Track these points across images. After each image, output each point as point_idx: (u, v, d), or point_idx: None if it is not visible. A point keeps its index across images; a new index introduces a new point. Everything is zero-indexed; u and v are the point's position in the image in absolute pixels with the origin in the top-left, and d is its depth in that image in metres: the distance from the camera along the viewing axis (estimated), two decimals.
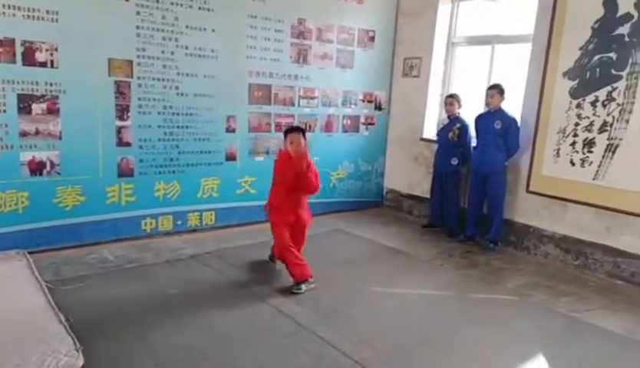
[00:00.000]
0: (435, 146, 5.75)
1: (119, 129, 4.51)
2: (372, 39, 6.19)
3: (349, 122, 6.20)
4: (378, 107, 6.46)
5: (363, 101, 6.29)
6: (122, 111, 4.50)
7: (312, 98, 5.78)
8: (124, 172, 4.59)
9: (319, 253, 4.76)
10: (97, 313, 3.25)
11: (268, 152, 5.50)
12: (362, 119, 6.32)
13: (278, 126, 5.53)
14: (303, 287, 3.78)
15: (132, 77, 4.50)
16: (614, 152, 4.41)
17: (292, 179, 3.78)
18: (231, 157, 5.24)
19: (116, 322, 3.15)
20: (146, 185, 4.72)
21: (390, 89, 6.50)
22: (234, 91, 5.15)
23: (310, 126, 5.80)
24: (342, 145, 6.17)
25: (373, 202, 6.60)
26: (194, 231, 5.08)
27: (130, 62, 4.47)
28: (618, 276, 4.41)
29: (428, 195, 5.85)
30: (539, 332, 3.41)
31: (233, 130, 5.21)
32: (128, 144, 4.56)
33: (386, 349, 3.00)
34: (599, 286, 4.31)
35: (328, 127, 6.00)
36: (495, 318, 3.58)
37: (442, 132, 5.58)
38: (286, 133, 3.89)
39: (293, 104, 5.63)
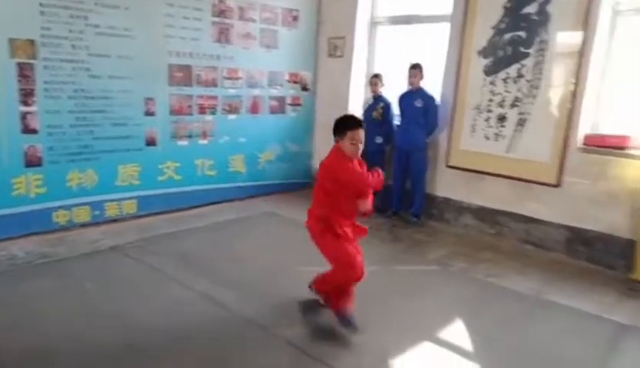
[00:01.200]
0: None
1: (24, 115, 4.16)
2: (296, 18, 6.13)
3: (275, 103, 6.13)
4: (304, 88, 6.44)
5: (289, 82, 6.24)
6: (26, 96, 4.15)
7: (237, 79, 5.65)
8: (32, 162, 4.25)
9: (249, 236, 4.73)
10: (3, 312, 3.03)
11: (191, 136, 5.34)
12: (288, 100, 6.28)
13: (201, 108, 5.37)
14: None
15: (36, 58, 4.15)
16: (524, 126, 4.70)
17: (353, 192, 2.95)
18: (151, 142, 5.02)
19: (24, 320, 2.95)
20: (57, 174, 4.40)
21: (315, 69, 6.50)
22: (152, 72, 4.91)
23: (235, 108, 5.69)
24: (269, 126, 6.11)
25: (303, 183, 6.61)
26: (114, 221, 4.84)
27: (33, 42, 4.12)
28: (529, 241, 4.75)
29: None
30: (459, 297, 3.60)
31: (153, 114, 4.98)
32: (34, 131, 4.22)
33: (311, 325, 3.04)
34: (512, 251, 4.62)
35: (254, 109, 5.90)
36: (418, 287, 3.74)
37: (367, 111, 5.67)
38: (345, 127, 2.87)
39: (216, 85, 5.47)
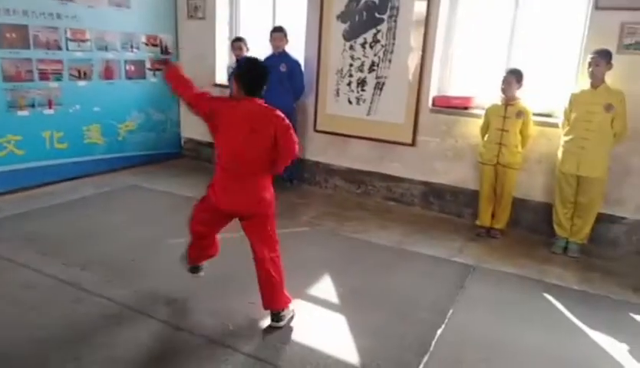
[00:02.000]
0: (228, 91, 5.68)
1: None
2: None
3: (133, 67, 5.68)
4: (165, 51, 6.04)
5: (147, 45, 5.80)
6: None
7: (84, 41, 5.09)
8: None
9: (110, 212, 4.39)
10: None
11: (34, 105, 4.72)
12: (148, 65, 5.85)
13: (43, 74, 4.76)
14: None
15: None
16: (381, 90, 4.95)
17: None
18: None
19: None
20: None
21: (176, 32, 6.12)
22: None
23: (85, 73, 5.14)
24: (128, 93, 5.66)
25: (171, 153, 6.30)
26: None
27: None
28: (391, 198, 5.10)
29: None
30: (327, 255, 3.76)
31: None
32: None
33: (179, 299, 2.95)
34: (377, 209, 4.93)
35: (107, 74, 5.40)
36: (289, 249, 3.77)
37: (232, 76, 5.50)
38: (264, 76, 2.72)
39: (60, 48, 4.87)
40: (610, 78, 3.79)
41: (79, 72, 5.08)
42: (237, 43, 5.42)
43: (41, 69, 4.75)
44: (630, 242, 4.10)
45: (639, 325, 3.01)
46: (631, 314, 3.12)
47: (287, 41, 5.12)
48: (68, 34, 4.92)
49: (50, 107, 4.88)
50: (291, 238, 4.01)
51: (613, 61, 3.74)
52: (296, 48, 5.32)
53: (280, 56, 5.13)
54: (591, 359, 2.64)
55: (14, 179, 4.64)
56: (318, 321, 2.86)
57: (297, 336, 2.65)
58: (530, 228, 4.44)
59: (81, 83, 5.13)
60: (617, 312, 3.14)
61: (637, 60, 3.86)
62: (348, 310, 2.96)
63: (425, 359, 2.52)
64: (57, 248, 3.52)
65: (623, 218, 4.10)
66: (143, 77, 5.81)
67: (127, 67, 5.61)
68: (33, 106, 4.73)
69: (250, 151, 2.54)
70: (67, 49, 4.94)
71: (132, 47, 5.62)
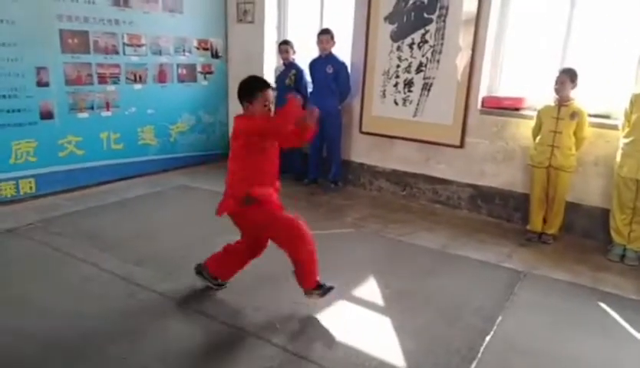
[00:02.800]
0: (275, 93, 5.76)
1: None
2: None
3: (185, 71, 5.87)
4: (215, 55, 6.22)
5: (198, 49, 5.99)
6: None
7: (140, 46, 5.32)
8: None
9: (161, 211, 4.57)
10: None
11: (93, 107, 4.98)
12: (199, 68, 6.04)
13: (102, 78, 5.01)
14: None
15: None
16: (429, 91, 4.89)
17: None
18: (47, 115, 4.62)
19: None
20: None
21: (226, 35, 6.28)
22: (41, 39, 4.47)
23: (140, 77, 5.37)
24: (180, 96, 5.86)
25: (219, 154, 6.46)
26: (11, 202, 4.45)
27: None
28: (437, 201, 5.03)
29: None
30: (372, 256, 3.76)
31: (46, 84, 4.57)
32: None
33: (227, 295, 3.03)
34: (422, 211, 4.87)
35: (161, 77, 5.61)
36: (335, 249, 3.83)
37: (279, 78, 5.60)
38: (255, 88, 2.65)
39: (117, 52, 5.12)
40: None
41: (135, 75, 5.31)
42: (284, 46, 5.50)
43: (100, 73, 5.00)
44: None
45: None
46: None
47: (334, 43, 5.16)
48: (125, 39, 5.16)
49: (107, 109, 5.13)
50: (336, 239, 4.04)
51: None
52: (343, 50, 5.34)
53: (327, 58, 5.17)
54: None
55: (73, 177, 4.91)
56: (363, 322, 2.86)
57: (342, 336, 2.67)
58: (584, 234, 4.26)
59: (137, 86, 5.36)
60: None
61: None
62: (394, 312, 2.94)
63: (473, 365, 2.47)
64: (113, 244, 3.70)
65: None
66: (195, 80, 6.00)
67: (179, 71, 5.81)
68: (92, 108, 4.98)
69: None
70: (124, 53, 5.18)
71: (184, 51, 5.82)
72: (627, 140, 3.75)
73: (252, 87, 2.66)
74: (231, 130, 6.56)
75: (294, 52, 5.48)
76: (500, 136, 4.60)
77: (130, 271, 3.28)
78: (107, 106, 5.12)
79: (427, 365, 2.46)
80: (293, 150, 5.59)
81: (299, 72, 5.46)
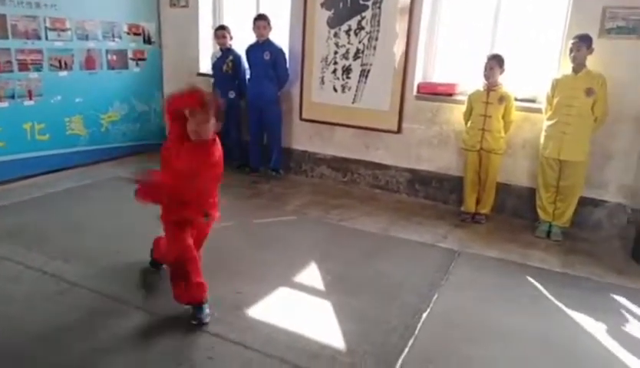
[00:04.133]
0: (212, 80, 5.63)
1: None
2: None
3: (115, 57, 5.59)
4: (148, 41, 5.96)
5: (129, 34, 5.72)
6: None
7: (64, 30, 4.99)
8: None
9: (93, 204, 4.35)
10: None
11: (13, 96, 4.64)
12: (130, 54, 5.77)
13: (22, 64, 4.67)
14: (207, 311, 2.63)
15: None
16: (367, 77, 4.94)
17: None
18: None
19: None
20: None
21: (159, 20, 6.03)
22: None
23: (66, 63, 5.05)
24: (110, 83, 5.57)
25: (156, 144, 6.19)
26: None
27: None
28: (377, 186, 5.12)
29: None
30: (314, 242, 3.76)
31: None
32: None
33: (163, 288, 2.94)
34: (363, 196, 4.94)
35: (89, 64, 5.31)
36: (277, 237, 3.82)
37: (216, 65, 5.46)
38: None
39: (39, 37, 4.78)
40: (591, 63, 3.82)
41: (59, 62, 4.99)
42: (220, 31, 5.36)
43: (21, 59, 4.65)
44: (612, 225, 4.17)
45: (620, 306, 3.07)
46: (613, 295, 3.18)
47: (271, 29, 5.08)
48: (47, 23, 4.82)
49: (30, 98, 4.79)
50: (278, 227, 4.03)
51: (595, 46, 3.78)
52: (281, 36, 5.28)
53: (264, 44, 5.09)
54: (572, 339, 2.68)
55: None
56: (304, 308, 2.87)
57: (283, 322, 2.66)
58: (514, 213, 4.49)
59: (62, 73, 5.04)
60: (598, 293, 3.19)
61: (618, 45, 3.90)
62: (334, 296, 2.97)
63: (411, 342, 2.55)
64: (40, 241, 3.48)
65: (604, 201, 4.16)
66: (126, 66, 5.73)
67: (109, 57, 5.53)
68: (13, 97, 4.64)
69: None
70: (47, 38, 4.85)
71: (113, 36, 5.54)
72: (550, 123, 3.97)
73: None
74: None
75: (231, 38, 5.36)
76: (435, 121, 4.74)
77: (59, 267, 3.10)
78: (30, 94, 4.78)
79: (365, 345, 2.50)
80: (231, 139, 5.54)
81: (237, 58, 5.35)
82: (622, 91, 3.90)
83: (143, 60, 5.93)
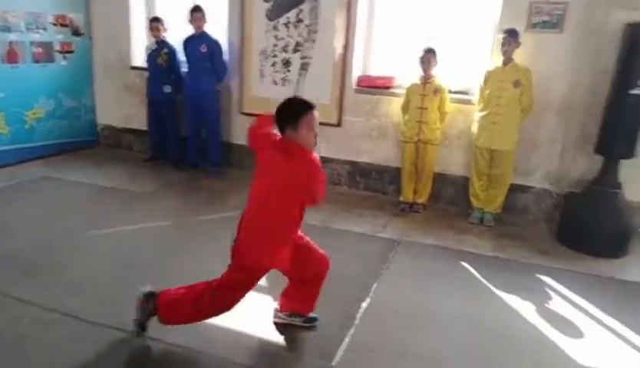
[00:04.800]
0: (147, 74, 5.43)
1: None
2: None
3: (40, 50, 5.26)
4: (76, 32, 5.64)
5: (55, 25, 5.39)
6: None
7: None
8: None
9: (17, 206, 4.09)
10: None
11: None
12: (57, 47, 5.44)
13: None
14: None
15: None
16: (307, 70, 4.94)
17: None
18: None
19: None
20: None
21: (87, 11, 5.72)
22: None
23: None
24: (35, 78, 5.23)
25: (86, 141, 5.93)
26: None
27: None
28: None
29: (147, 127, 5.57)
30: None
31: None
32: None
33: (97, 292, 2.82)
34: None
35: (11, 57, 4.96)
36: (217, 234, 3.72)
37: (150, 58, 5.27)
38: (297, 112, 2.25)
39: None
40: (519, 56, 4.01)
41: None
42: (154, 23, 5.17)
43: None
44: (538, 209, 4.42)
45: (545, 285, 3.26)
46: (538, 275, 3.37)
47: (206, 21, 4.96)
48: None
49: None
50: (219, 224, 3.95)
51: (522, 40, 3.96)
52: (219, 29, 5.16)
53: (200, 36, 4.96)
54: (502, 319, 2.82)
55: None
56: (246, 305, 2.82)
57: (219, 321, 2.61)
58: (450, 201, 4.65)
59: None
60: (526, 274, 3.38)
61: (542, 39, 4.11)
62: (273, 292, 2.95)
63: (351, 332, 2.59)
64: None
65: (531, 187, 4.41)
66: (52, 60, 5.40)
67: (34, 50, 5.19)
68: None
69: None
70: None
71: (38, 27, 5.20)
72: (482, 114, 4.14)
73: (294, 110, 2.26)
74: (98, 115, 6.07)
75: (165, 30, 5.18)
76: (374, 114, 4.81)
77: None
78: None
79: (307, 338, 2.52)
80: (168, 135, 5.38)
81: (172, 51, 5.18)
82: (547, 83, 4.12)
83: (71, 52, 5.61)
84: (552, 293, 3.15)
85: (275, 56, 5.02)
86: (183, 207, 4.28)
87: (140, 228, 3.77)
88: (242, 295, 2.35)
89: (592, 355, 2.54)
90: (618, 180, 3.82)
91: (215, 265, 2.91)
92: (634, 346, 2.65)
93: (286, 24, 4.90)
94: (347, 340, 2.52)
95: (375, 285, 3.09)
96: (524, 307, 2.94)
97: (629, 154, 3.72)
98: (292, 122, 2.21)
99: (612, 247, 3.75)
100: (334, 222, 4.11)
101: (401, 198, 4.57)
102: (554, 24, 4.10)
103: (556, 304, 3.02)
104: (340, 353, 2.42)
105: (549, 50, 4.12)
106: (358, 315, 2.74)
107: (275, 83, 5.07)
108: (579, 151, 4.21)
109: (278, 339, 2.50)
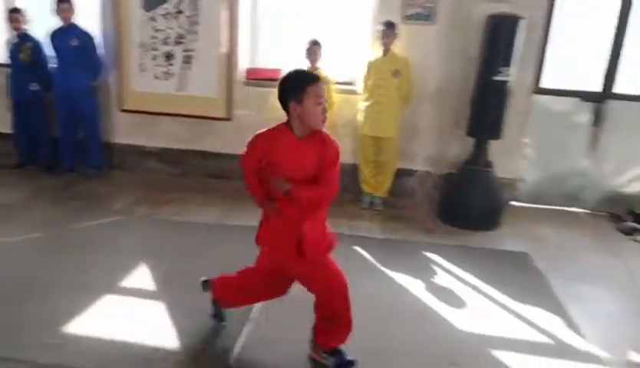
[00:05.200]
0: (9, 71, 4.85)
1: None
2: None
3: None
4: None
5: None
6: None
7: None
8: None
9: None
10: None
11: None
12: None
13: None
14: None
15: None
16: (190, 63, 4.75)
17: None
18: None
19: None
20: None
21: None
22: None
23: None
24: None
25: None
26: None
27: None
28: (212, 175, 4.99)
29: (12, 131, 4.99)
30: (142, 242, 3.53)
31: None
32: None
33: None
34: (197, 188, 4.77)
35: None
36: (100, 241, 3.48)
37: (13, 53, 4.72)
38: (303, 82, 2.02)
39: None
40: (397, 47, 4.21)
41: None
42: (13, 14, 4.65)
43: None
44: (422, 191, 4.71)
45: (430, 261, 3.48)
46: (424, 253, 3.60)
47: (74, 12, 4.55)
48: None
49: None
50: (102, 230, 3.68)
51: (399, 31, 4.16)
52: (90, 19, 4.76)
53: (69, 29, 4.55)
54: (395, 297, 2.97)
55: None
56: (133, 313, 2.66)
57: (110, 333, 2.44)
58: (344, 188, 4.73)
59: None
60: (413, 253, 3.58)
61: (416, 30, 4.36)
62: (167, 296, 2.82)
63: (249, 326, 2.55)
64: None
65: (415, 170, 4.68)
66: None
67: None
68: None
69: None
70: None
71: None
72: (367, 103, 4.29)
73: (299, 81, 2.04)
74: None
75: (26, 21, 4.67)
76: (265, 107, 4.75)
77: None
78: None
79: (203, 338, 2.43)
80: (38, 137, 4.88)
81: (36, 45, 4.68)
82: (423, 72, 4.39)
83: None
84: (436, 268, 3.38)
85: (155, 49, 4.76)
86: (59, 215, 3.90)
87: (3, 243, 3.37)
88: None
89: (470, 320, 2.77)
90: (488, 159, 4.19)
91: (94, 274, 2.72)
92: (507, 309, 2.93)
93: (165, 15, 4.67)
94: (244, 335, 2.48)
95: None
96: (413, 283, 3.12)
97: (496, 135, 4.10)
98: (296, 94, 2.00)
99: (487, 221, 4.12)
100: (229, 219, 4.02)
101: None
102: (427, 16, 4.36)
103: (440, 278, 3.24)
104: (237, 349, 2.38)
105: (423, 42, 4.39)
106: (254, 308, 2.70)
107: (157, 77, 4.81)
108: (454, 134, 4.55)
109: (173, 343, 2.39)
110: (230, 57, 4.67)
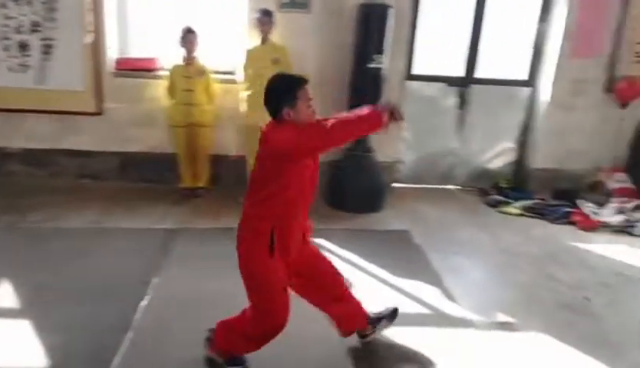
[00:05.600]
0: None
1: None
2: None
3: None
4: None
5: None
6: None
7: None
8: None
9: None
10: None
11: None
12: None
13: None
14: None
15: None
16: (50, 53, 4.30)
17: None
18: None
19: None
20: None
21: None
22: None
23: None
24: None
25: None
26: None
27: None
28: (85, 175, 4.60)
29: None
30: (6, 254, 3.17)
31: None
32: None
33: None
34: (68, 190, 4.36)
35: None
36: None
37: None
38: (293, 88, 2.01)
39: None
40: (275, 35, 4.18)
41: None
42: None
43: None
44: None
45: (320, 246, 3.53)
46: (315, 239, 3.64)
47: None
48: None
49: None
50: None
51: (275, 20, 4.13)
52: None
53: None
54: None
55: None
56: None
57: None
58: (234, 181, 4.66)
59: None
60: None
61: (293, 18, 4.37)
62: (33, 312, 2.55)
63: (129, 335, 2.40)
64: None
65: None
66: None
67: None
68: None
69: None
70: None
71: None
72: (248, 93, 4.22)
73: (290, 86, 2.02)
74: None
75: None
76: (140, 99, 4.49)
77: None
78: None
79: (79, 354, 2.25)
80: None
81: None
82: (301, 60, 4.40)
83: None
84: (325, 252, 3.44)
85: (7, 38, 4.24)
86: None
87: None
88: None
89: (356, 297, 2.87)
90: (369, 145, 4.37)
91: None
92: (389, 284, 3.09)
93: (16, 1, 4.17)
94: (125, 345, 2.33)
95: (156, 280, 2.92)
96: None
97: None
98: (289, 99, 1.99)
99: (371, 203, 4.31)
100: (105, 222, 3.74)
101: (181, 185, 4.41)
102: (302, 4, 4.39)
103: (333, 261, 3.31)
104: (116, 361, 2.22)
105: (300, 30, 4.41)
106: (135, 315, 2.55)
107: (12, 69, 4.29)
108: None
109: (39, 362, 2.17)
110: (96, 46, 4.31)
